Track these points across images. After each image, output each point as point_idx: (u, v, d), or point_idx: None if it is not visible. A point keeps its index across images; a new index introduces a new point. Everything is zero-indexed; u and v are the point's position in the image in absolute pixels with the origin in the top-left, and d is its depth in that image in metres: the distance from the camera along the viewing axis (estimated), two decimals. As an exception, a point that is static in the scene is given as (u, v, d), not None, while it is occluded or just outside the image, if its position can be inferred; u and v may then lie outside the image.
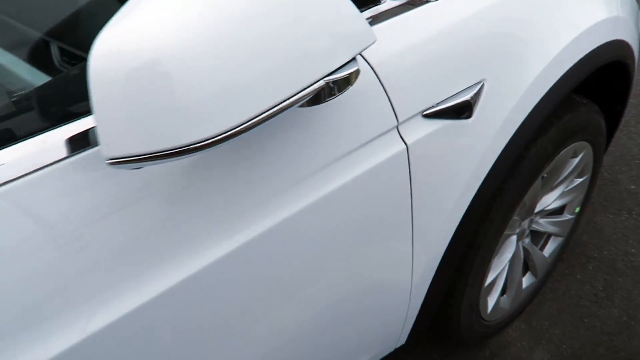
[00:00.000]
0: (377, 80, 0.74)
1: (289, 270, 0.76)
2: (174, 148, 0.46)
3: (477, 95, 0.87)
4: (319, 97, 0.53)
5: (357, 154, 0.75)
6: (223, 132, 0.47)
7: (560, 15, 1.00)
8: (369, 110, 0.74)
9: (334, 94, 0.53)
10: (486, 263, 1.21)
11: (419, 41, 0.79)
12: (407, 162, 0.81)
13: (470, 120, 0.88)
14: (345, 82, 0.53)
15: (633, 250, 1.76)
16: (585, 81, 1.36)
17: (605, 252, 1.77)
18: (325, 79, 0.52)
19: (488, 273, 1.27)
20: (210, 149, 0.47)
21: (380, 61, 0.75)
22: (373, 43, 0.56)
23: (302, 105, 0.53)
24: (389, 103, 0.76)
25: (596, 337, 1.52)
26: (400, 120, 0.78)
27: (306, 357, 0.93)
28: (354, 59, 0.54)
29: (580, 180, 1.46)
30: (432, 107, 0.82)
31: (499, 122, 0.93)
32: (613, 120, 1.51)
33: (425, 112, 0.82)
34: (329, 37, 0.52)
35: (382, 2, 0.78)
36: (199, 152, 0.47)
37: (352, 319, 0.95)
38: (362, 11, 0.76)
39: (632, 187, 2.02)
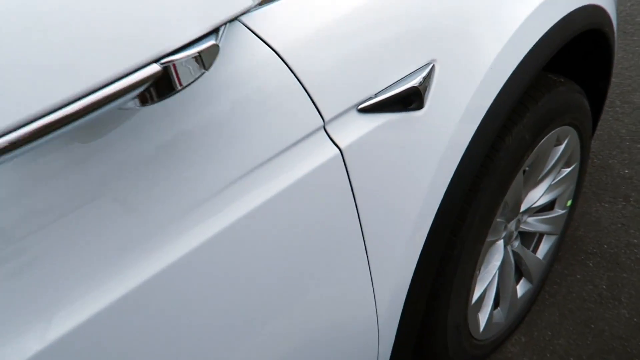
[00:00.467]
0: (288, 70, 0.57)
1: (209, 312, 0.58)
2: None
3: (427, 79, 0.71)
4: (161, 87, 0.36)
5: (276, 163, 0.59)
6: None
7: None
8: (283, 109, 0.58)
9: (185, 82, 0.36)
10: (469, 276, 1.03)
11: (343, 17, 0.63)
12: (345, 169, 0.64)
13: (421, 111, 0.71)
14: (196, 64, 0.36)
15: (635, 241, 1.59)
16: (561, 56, 1.20)
17: (605, 246, 1.61)
18: (162, 61, 0.35)
19: (474, 287, 1.09)
20: None
21: (290, 46, 0.58)
22: (246, 10, 0.39)
23: (143, 102, 0.36)
24: (308, 98, 0.59)
25: (606, 344, 1.35)
26: (327, 118, 0.61)
27: None
28: (214, 31, 0.37)
29: (568, 169, 1.29)
30: (370, 98, 0.66)
31: (459, 111, 0.76)
32: (597, 99, 1.35)
33: (361, 106, 0.65)
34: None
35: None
36: None
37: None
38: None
39: (626, 171, 1.86)
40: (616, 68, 2.45)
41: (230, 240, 0.57)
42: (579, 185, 1.41)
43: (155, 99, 0.36)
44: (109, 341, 0.50)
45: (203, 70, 0.37)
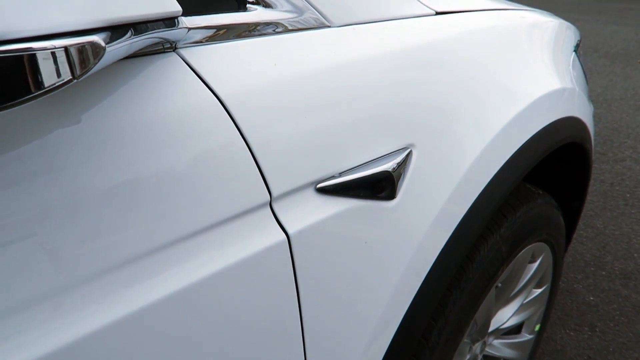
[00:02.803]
0: (233, 125, 0.45)
1: None
2: None
3: (402, 166, 0.60)
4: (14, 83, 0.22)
5: (200, 242, 0.44)
6: None
7: (513, 77, 0.78)
8: (219, 170, 0.44)
9: (36, 89, 0.22)
10: (427, 410, 0.86)
11: (311, 74, 0.52)
12: (290, 261, 0.50)
13: (392, 202, 0.59)
14: (60, 66, 0.23)
15: (603, 377, 1.46)
16: (538, 171, 1.14)
17: (571, 380, 1.46)
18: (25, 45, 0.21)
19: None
20: None
21: (238, 95, 0.46)
22: (164, 18, 0.27)
23: None
24: (253, 163, 0.46)
25: None
26: (275, 194, 0.48)
27: None
28: (103, 29, 0.25)
29: (539, 290, 1.18)
30: (332, 177, 0.53)
31: (435, 207, 0.65)
32: (570, 218, 1.28)
33: (320, 185, 0.52)
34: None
35: (248, 9, 0.51)
36: None
37: None
38: (215, 14, 0.48)
39: (591, 298, 1.78)
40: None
41: (139, 327, 0.40)
42: (549, 310, 1.29)
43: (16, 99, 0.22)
44: None
45: (70, 78, 0.24)
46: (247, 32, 0.49)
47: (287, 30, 0.52)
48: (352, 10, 0.61)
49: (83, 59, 0.24)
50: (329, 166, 0.53)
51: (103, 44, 0.25)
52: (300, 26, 0.53)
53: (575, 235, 2.14)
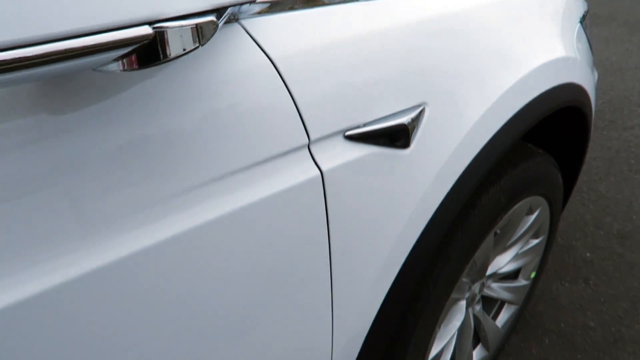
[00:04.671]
0: (282, 82, 0.57)
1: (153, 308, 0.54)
2: None
3: (416, 120, 0.71)
4: (147, 53, 0.34)
5: (253, 173, 0.56)
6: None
7: (517, 47, 0.88)
8: (268, 120, 0.56)
9: (175, 53, 0.34)
10: (430, 332, 1.00)
11: (345, 41, 0.63)
12: (323, 192, 0.62)
13: (407, 150, 0.71)
14: (190, 37, 0.35)
15: (592, 324, 1.60)
16: (541, 131, 1.24)
17: (562, 325, 1.61)
18: (155, 25, 0.33)
19: (432, 343, 1.06)
20: None
21: (287, 58, 0.57)
22: (246, 2, 0.38)
23: (123, 68, 0.34)
24: (297, 114, 0.58)
25: None
26: (312, 138, 0.60)
27: None
28: (215, 11, 0.36)
29: (536, 241, 1.31)
30: (357, 127, 0.65)
31: (443, 157, 0.77)
32: (570, 178, 1.39)
33: (348, 133, 0.64)
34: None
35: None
36: None
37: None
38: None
39: (588, 254, 1.90)
40: (586, 158, 2.56)
41: (191, 243, 0.53)
42: (544, 259, 1.42)
43: (136, 65, 0.34)
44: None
45: (197, 45, 0.36)
46: (297, 5, 0.60)
47: (328, 4, 0.63)
48: None
49: (205, 32, 0.36)
50: (356, 118, 0.64)
51: (217, 21, 0.36)
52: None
53: (578, 198, 2.24)
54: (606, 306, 1.67)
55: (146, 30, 0.32)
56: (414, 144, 0.72)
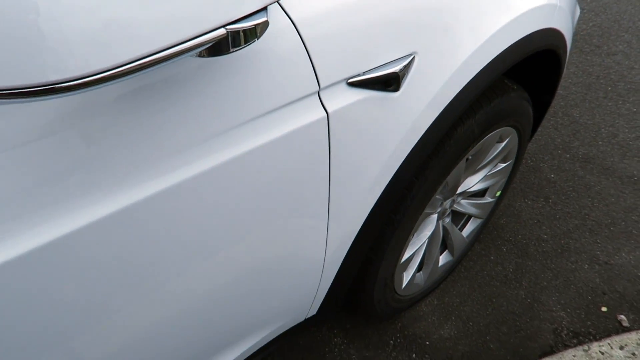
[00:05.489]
0: (300, 41, 0.69)
1: (192, 231, 0.71)
2: (35, 86, 0.39)
3: (407, 68, 0.84)
4: (219, 47, 0.47)
5: (273, 116, 0.70)
6: (96, 72, 0.40)
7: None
8: (288, 71, 0.69)
9: (238, 46, 0.47)
10: (404, 240, 1.20)
11: (350, 3, 0.74)
12: (327, 130, 0.77)
13: (397, 93, 0.85)
14: (250, 34, 0.48)
15: (545, 237, 1.84)
16: (517, 67, 1.37)
17: (519, 236, 1.84)
18: (228, 27, 0.45)
19: (405, 249, 1.27)
20: (83, 90, 0.41)
21: (305, 20, 0.69)
22: None
23: (201, 55, 0.47)
24: (311, 66, 0.71)
25: (501, 317, 1.59)
26: (322, 85, 0.73)
27: (212, 323, 0.89)
28: (264, 8, 0.48)
29: (503, 165, 1.48)
30: (358, 75, 0.78)
31: (427, 98, 0.90)
32: (541, 109, 1.54)
33: (350, 80, 0.77)
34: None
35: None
36: (68, 93, 0.40)
37: (262, 287, 0.92)
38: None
39: (552, 176, 2.10)
40: (565, 82, 2.69)
41: (219, 177, 0.68)
42: (510, 180, 1.61)
43: (224, 52, 0.47)
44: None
45: (255, 39, 0.48)
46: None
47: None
48: None
49: (261, 29, 0.48)
50: (357, 67, 0.77)
51: (268, 20, 0.48)
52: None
53: (552, 122, 2.41)
54: (560, 222, 1.90)
55: (221, 32, 0.45)
56: (403, 87, 0.85)
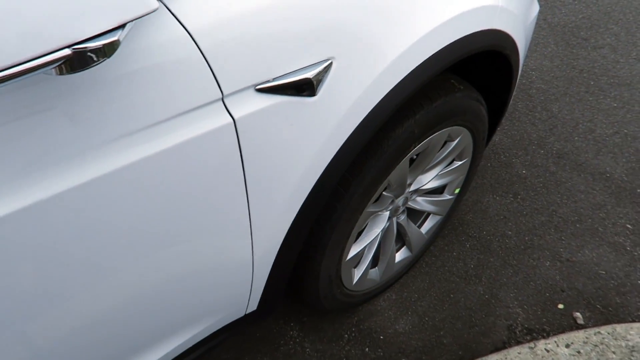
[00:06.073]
0: (198, 50, 0.70)
1: (103, 231, 0.73)
2: None
3: (323, 73, 0.85)
4: (72, 65, 0.48)
5: (175, 122, 0.72)
6: None
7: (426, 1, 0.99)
8: (186, 79, 0.70)
9: (86, 66, 0.49)
10: (345, 237, 1.22)
11: (252, 9, 0.75)
12: (236, 135, 0.79)
13: (314, 98, 0.86)
14: (99, 54, 0.49)
15: (509, 233, 1.85)
16: (472, 66, 1.37)
17: (484, 232, 1.85)
18: (75, 47, 0.47)
19: (349, 246, 1.29)
20: None
21: (201, 30, 0.70)
22: (150, 12, 0.52)
23: (61, 73, 0.49)
24: (211, 74, 0.72)
25: (457, 312, 1.61)
26: (226, 92, 0.75)
27: (143, 320, 0.92)
28: (120, 27, 0.50)
29: (460, 162, 1.49)
30: (268, 81, 0.79)
31: (349, 101, 0.91)
32: (500, 106, 1.54)
33: (259, 87, 0.79)
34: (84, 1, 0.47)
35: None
36: None
37: (189, 286, 0.94)
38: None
39: (524, 171, 2.10)
40: (548, 76, 2.67)
41: (123, 181, 0.70)
42: (469, 177, 1.62)
43: (65, 72, 0.48)
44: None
45: (105, 58, 0.50)
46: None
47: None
48: None
49: (110, 49, 0.49)
50: (266, 73, 0.78)
51: (121, 39, 0.50)
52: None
53: (529, 117, 2.40)
54: (526, 218, 1.91)
55: (67, 52, 0.47)
56: (320, 92, 0.86)
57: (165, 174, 0.75)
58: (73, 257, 0.72)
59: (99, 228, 0.72)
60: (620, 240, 1.81)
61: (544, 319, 1.58)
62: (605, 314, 1.58)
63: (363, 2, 0.88)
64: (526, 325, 1.56)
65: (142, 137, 0.70)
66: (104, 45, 0.49)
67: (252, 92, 0.78)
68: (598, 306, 1.61)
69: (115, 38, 0.50)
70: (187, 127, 0.73)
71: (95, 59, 0.49)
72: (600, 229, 1.86)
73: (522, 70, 2.70)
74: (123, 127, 0.68)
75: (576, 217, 1.90)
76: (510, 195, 2.00)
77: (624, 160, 2.13)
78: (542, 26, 3.09)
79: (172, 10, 0.68)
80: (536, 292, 1.66)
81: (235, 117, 0.77)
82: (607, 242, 1.80)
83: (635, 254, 1.76)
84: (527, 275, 1.71)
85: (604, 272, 1.70)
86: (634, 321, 1.54)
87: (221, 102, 0.76)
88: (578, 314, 1.58)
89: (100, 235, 0.73)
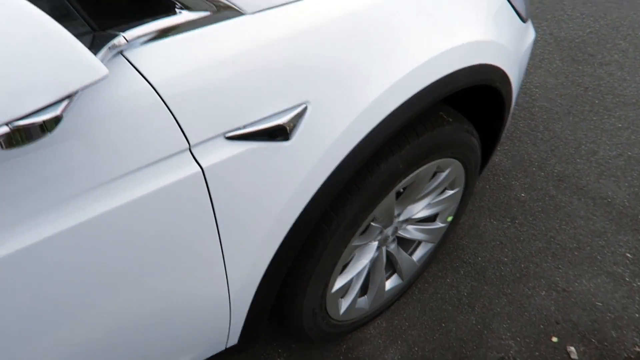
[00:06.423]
0: (161, 102, 0.69)
1: (76, 280, 0.72)
2: None
3: (297, 118, 0.84)
4: (11, 141, 0.47)
5: (141, 174, 0.71)
6: None
7: (408, 40, 0.97)
8: (150, 131, 0.69)
9: (29, 140, 0.48)
10: (329, 271, 1.20)
11: (219, 59, 0.74)
12: (205, 184, 0.77)
13: (288, 142, 0.84)
14: (39, 129, 0.48)
15: (505, 259, 1.82)
16: (466, 94, 1.34)
17: (479, 259, 1.82)
18: (13, 124, 0.46)
19: (334, 279, 1.27)
20: None
21: (165, 81, 0.69)
22: (100, 79, 0.51)
23: (4, 148, 0.48)
24: (176, 125, 0.71)
25: (448, 342, 1.58)
26: (192, 142, 0.74)
27: (122, 356, 0.91)
28: (62, 100, 0.49)
29: (452, 192, 1.46)
30: (238, 129, 0.78)
31: (326, 144, 0.90)
32: (493, 134, 1.51)
33: (229, 135, 0.77)
34: (28, 74, 0.46)
35: (178, 12, 0.72)
36: None
37: (165, 325, 0.93)
38: (151, 21, 0.69)
39: (522, 195, 2.07)
40: (552, 93, 2.63)
41: (86, 235, 0.69)
42: (463, 205, 1.59)
43: (5, 148, 0.47)
44: None
45: (45, 134, 0.49)
46: (173, 32, 0.70)
47: (207, 24, 0.73)
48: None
49: (49, 126, 0.48)
50: (236, 121, 0.77)
51: (62, 114, 0.49)
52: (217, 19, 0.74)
53: (531, 137, 2.36)
54: (523, 244, 1.87)
55: (5, 129, 0.46)
56: (294, 137, 0.85)
57: (137, 221, 0.74)
58: (48, 301, 0.71)
59: (73, 276, 0.71)
60: (619, 270, 1.77)
61: (537, 353, 1.55)
62: (600, 348, 1.54)
63: (341, 40, 0.87)
64: (518, 359, 1.53)
65: (113, 188, 0.69)
66: (44, 121, 0.48)
67: (221, 140, 0.77)
68: (593, 340, 1.57)
69: (56, 114, 0.49)
70: (157, 177, 0.72)
71: (35, 135, 0.48)
72: (599, 257, 1.82)
73: (524, 89, 2.66)
74: (91, 179, 0.67)
75: (574, 244, 1.86)
76: (508, 220, 1.96)
77: (626, 184, 2.09)
78: (548, 41, 3.05)
79: (134, 64, 0.67)
80: (530, 323, 1.63)
81: (204, 166, 0.76)
82: (605, 272, 1.76)
83: (634, 285, 1.72)
84: (521, 305, 1.68)
85: (600, 304, 1.67)
86: (629, 358, 1.50)
87: (188, 152, 0.74)
88: (572, 349, 1.54)
89: (76, 280, 0.72)
